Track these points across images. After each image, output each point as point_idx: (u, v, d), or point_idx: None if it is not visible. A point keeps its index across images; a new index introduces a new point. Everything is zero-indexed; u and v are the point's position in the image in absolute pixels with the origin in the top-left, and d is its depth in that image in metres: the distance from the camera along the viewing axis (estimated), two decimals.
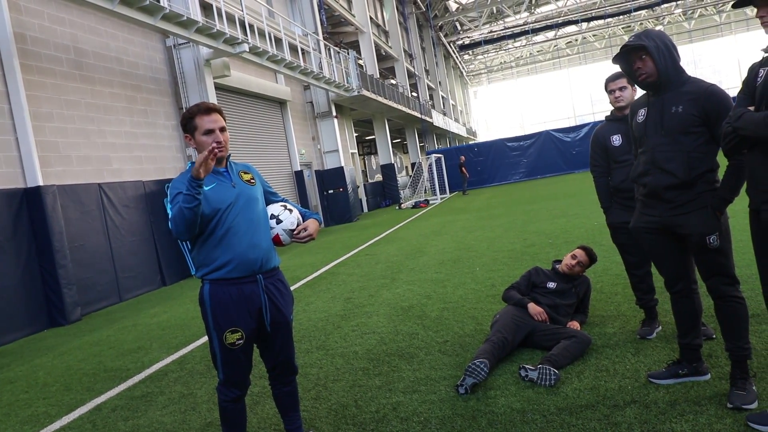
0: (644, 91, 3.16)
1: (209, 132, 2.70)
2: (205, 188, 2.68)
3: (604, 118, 4.27)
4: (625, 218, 3.89)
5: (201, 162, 2.49)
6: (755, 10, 2.54)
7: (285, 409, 3.05)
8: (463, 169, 26.61)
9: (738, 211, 2.69)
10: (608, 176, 4.14)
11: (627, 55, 3.05)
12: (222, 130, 2.74)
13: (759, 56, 2.64)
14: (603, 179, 4.18)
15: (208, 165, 2.53)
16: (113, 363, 5.66)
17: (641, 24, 56.34)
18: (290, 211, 2.94)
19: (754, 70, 2.61)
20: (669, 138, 2.97)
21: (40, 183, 8.43)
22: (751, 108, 2.53)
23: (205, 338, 5.98)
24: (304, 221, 2.95)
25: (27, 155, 8.42)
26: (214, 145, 2.58)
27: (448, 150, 31.92)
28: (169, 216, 2.63)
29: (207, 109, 2.73)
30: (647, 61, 2.96)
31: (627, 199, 3.92)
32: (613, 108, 4.11)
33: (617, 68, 3.31)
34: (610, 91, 4.03)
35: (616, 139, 4.03)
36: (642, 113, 3.11)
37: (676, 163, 2.93)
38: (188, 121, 2.73)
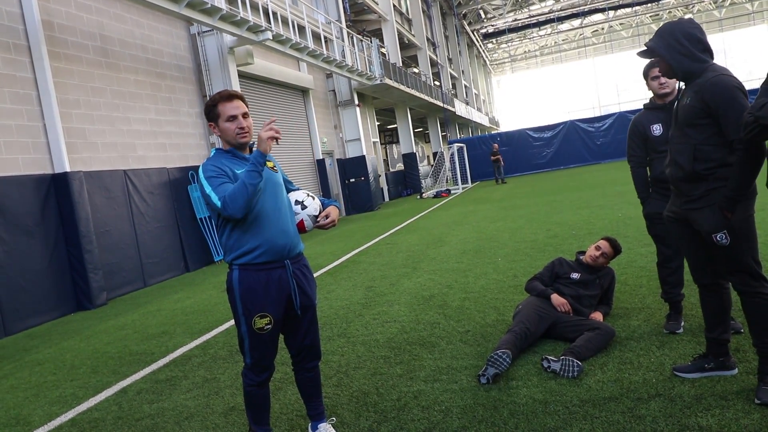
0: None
1: (232, 118, 2.74)
2: (237, 171, 2.72)
3: (642, 106, 4.09)
4: (662, 208, 3.79)
5: (266, 138, 2.60)
6: None
7: (308, 395, 3.08)
8: (492, 157, 25.28)
9: (766, 204, 2.62)
10: (646, 166, 3.99)
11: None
12: (245, 116, 2.78)
13: None
14: (641, 169, 4.03)
15: (270, 142, 2.64)
16: (138, 347, 5.75)
17: (669, 12, 55.19)
18: (312, 198, 3.03)
19: None
20: (680, 131, 2.95)
21: (68, 169, 8.57)
22: None
23: (228, 324, 6.05)
24: (323, 209, 3.02)
25: (54, 141, 8.56)
26: (275, 128, 2.64)
27: (470, 139, 31.68)
28: (215, 197, 2.61)
29: (229, 96, 2.77)
30: (661, 62, 2.96)
31: (665, 189, 3.77)
32: (652, 96, 3.92)
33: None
34: (653, 78, 3.81)
35: (657, 128, 3.86)
36: (676, 104, 3.08)
37: (684, 155, 2.90)
38: (211, 109, 2.77)
